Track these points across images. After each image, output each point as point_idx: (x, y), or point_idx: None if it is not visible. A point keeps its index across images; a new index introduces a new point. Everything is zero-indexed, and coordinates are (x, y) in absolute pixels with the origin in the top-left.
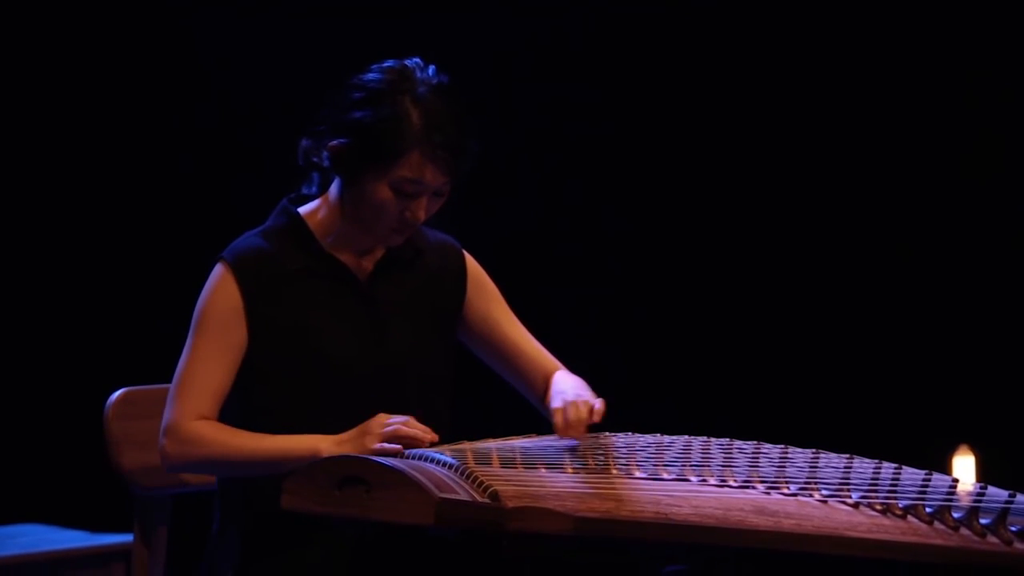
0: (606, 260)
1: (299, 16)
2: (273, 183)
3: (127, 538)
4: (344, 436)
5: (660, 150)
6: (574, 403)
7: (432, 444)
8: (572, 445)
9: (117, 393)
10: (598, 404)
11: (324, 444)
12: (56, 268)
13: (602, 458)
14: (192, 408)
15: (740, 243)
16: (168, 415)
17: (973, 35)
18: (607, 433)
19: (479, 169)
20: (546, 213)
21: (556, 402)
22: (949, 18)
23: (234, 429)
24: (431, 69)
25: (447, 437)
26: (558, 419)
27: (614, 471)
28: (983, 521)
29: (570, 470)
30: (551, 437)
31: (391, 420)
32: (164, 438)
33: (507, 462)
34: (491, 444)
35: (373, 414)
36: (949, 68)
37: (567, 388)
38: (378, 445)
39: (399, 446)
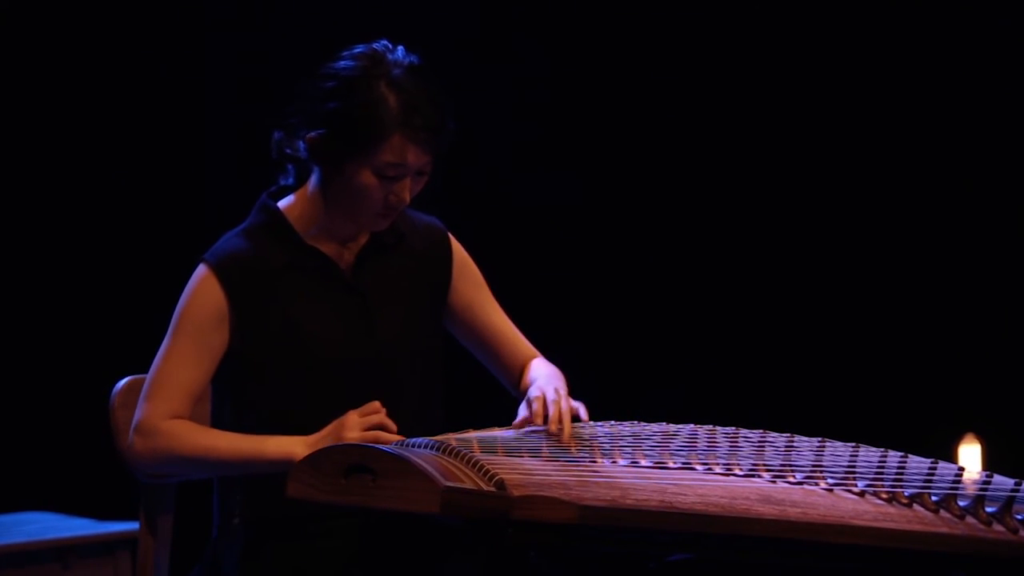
0: (612, 247)
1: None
2: (262, 173)
3: (133, 526)
4: (314, 438)
5: (670, 132)
6: (556, 404)
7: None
8: (578, 434)
9: (123, 381)
10: (583, 412)
11: (298, 448)
12: (60, 258)
13: (607, 447)
14: (165, 407)
15: (747, 232)
16: (140, 413)
17: (973, 35)
18: (613, 422)
19: (479, 155)
20: (549, 196)
21: (533, 391)
22: (949, 18)
23: (207, 428)
24: (400, 51)
25: (439, 419)
26: (537, 410)
27: (619, 460)
28: (989, 509)
29: (575, 459)
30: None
31: (364, 419)
32: (134, 435)
33: (512, 450)
34: (497, 433)
35: (367, 402)
36: (949, 68)
37: (543, 378)
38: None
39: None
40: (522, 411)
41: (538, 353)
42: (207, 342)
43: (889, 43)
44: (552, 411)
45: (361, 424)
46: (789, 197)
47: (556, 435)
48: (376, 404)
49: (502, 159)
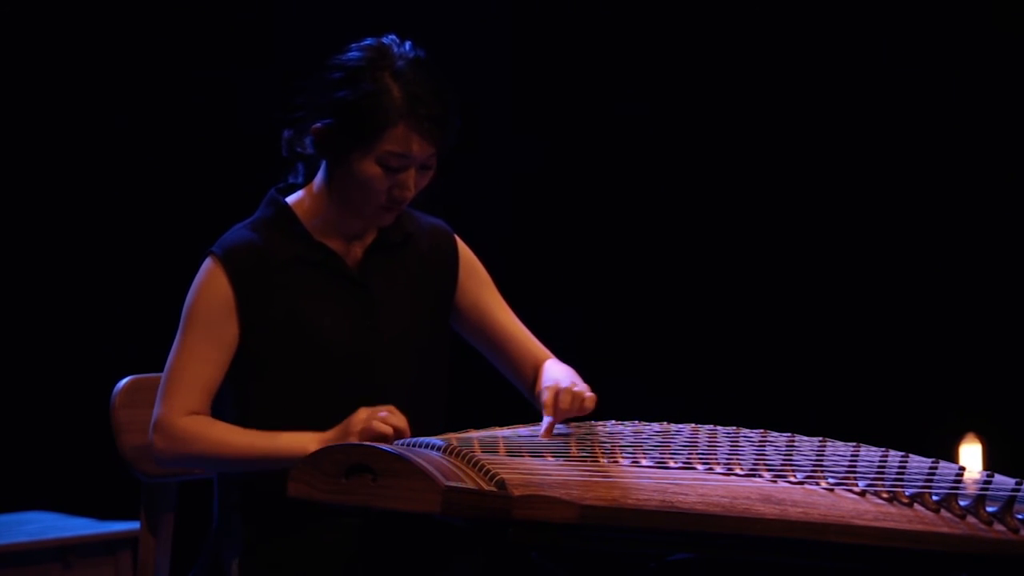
0: (612, 248)
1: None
2: (270, 170)
3: (134, 525)
4: (329, 435)
5: (669, 133)
6: (568, 390)
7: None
8: (578, 434)
9: (124, 381)
10: (589, 396)
11: (312, 444)
12: (62, 258)
13: (608, 447)
14: (182, 403)
15: (748, 232)
16: (158, 410)
17: (973, 35)
18: (613, 422)
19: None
20: (550, 198)
21: (547, 383)
22: (949, 18)
23: (224, 425)
24: (407, 44)
25: (443, 419)
26: (548, 399)
27: (621, 460)
28: (990, 509)
29: (576, 459)
30: (558, 426)
31: (372, 415)
32: (154, 434)
33: (513, 450)
34: (498, 432)
35: (371, 400)
36: (949, 68)
37: (560, 376)
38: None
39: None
40: (547, 418)
41: (550, 354)
42: (218, 335)
43: (891, 44)
44: (564, 398)
45: (366, 422)
46: (789, 198)
47: (564, 411)
48: (391, 408)
49: (502, 159)
